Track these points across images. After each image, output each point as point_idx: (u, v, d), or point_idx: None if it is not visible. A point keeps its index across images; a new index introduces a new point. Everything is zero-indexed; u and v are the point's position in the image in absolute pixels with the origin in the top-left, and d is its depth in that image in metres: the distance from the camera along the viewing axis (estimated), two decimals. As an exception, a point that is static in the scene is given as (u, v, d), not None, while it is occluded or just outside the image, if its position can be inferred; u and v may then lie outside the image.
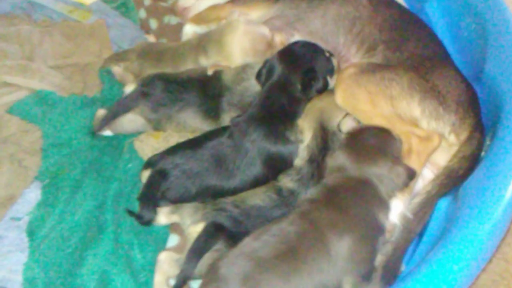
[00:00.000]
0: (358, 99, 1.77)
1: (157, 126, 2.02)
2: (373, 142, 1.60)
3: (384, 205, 1.52)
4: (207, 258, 1.57)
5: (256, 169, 1.76)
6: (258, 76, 1.93)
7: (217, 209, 1.68)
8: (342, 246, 1.41)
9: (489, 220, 1.31)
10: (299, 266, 1.39)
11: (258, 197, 1.72)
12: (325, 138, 1.76)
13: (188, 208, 1.73)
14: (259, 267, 1.37)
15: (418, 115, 1.73)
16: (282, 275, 1.37)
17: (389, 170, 1.53)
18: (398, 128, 1.69)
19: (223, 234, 1.61)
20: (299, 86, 1.85)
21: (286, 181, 1.75)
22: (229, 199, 1.72)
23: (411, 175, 1.55)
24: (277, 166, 1.78)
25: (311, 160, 1.75)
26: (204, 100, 1.97)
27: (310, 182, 1.72)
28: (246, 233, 1.54)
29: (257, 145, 1.76)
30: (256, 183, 1.76)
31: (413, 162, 1.65)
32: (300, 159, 1.77)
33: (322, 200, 1.52)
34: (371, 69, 1.82)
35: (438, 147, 1.71)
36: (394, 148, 1.60)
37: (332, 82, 1.92)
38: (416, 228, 1.62)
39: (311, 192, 1.59)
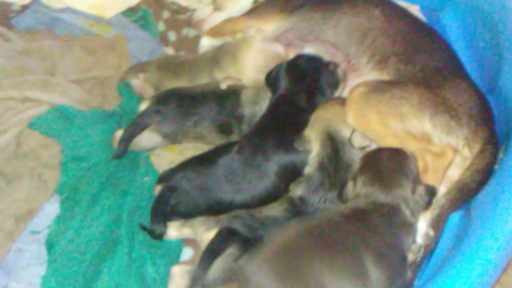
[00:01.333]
0: (369, 120, 1.77)
1: (174, 141, 2.05)
2: (393, 165, 1.60)
3: (412, 229, 1.53)
4: (221, 263, 1.58)
5: (268, 181, 1.77)
6: (267, 80, 1.98)
7: (231, 216, 1.70)
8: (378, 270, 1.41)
9: (501, 234, 1.30)
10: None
11: (274, 210, 1.73)
12: (334, 148, 1.77)
13: (200, 217, 1.75)
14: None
15: (429, 131, 1.72)
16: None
17: (413, 191, 1.54)
18: (411, 146, 1.69)
19: (237, 238, 1.63)
20: (304, 98, 1.88)
21: (297, 190, 1.76)
22: (244, 211, 1.73)
23: (433, 193, 1.57)
24: (289, 176, 1.80)
25: (321, 168, 1.76)
26: (219, 115, 1.99)
27: (320, 189, 1.74)
28: (260, 239, 1.57)
29: (269, 156, 1.78)
30: (267, 196, 1.77)
31: (430, 179, 1.64)
32: (309, 167, 1.79)
33: (351, 216, 1.52)
34: (380, 88, 1.81)
35: (453, 161, 1.70)
36: (413, 167, 1.61)
37: (336, 93, 1.94)
38: (431, 243, 1.61)
39: (341, 207, 1.60)
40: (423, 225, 1.58)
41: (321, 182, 1.74)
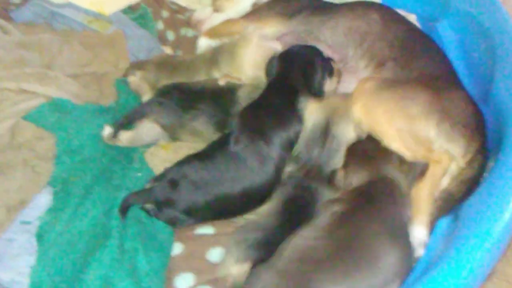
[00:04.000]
0: (376, 115, 1.77)
1: (172, 135, 2.07)
2: (376, 144, 1.70)
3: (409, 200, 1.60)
4: None
5: (271, 163, 1.79)
6: (266, 69, 2.03)
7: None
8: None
9: (487, 239, 1.31)
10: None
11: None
12: (324, 136, 1.79)
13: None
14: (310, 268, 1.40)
15: (433, 137, 1.72)
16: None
17: (400, 163, 1.64)
18: (413, 150, 1.70)
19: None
20: (300, 78, 1.92)
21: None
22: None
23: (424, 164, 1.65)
24: (287, 154, 1.83)
25: (307, 146, 1.80)
26: (216, 112, 2.02)
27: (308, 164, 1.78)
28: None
29: (271, 138, 1.81)
30: (267, 182, 1.79)
31: (427, 185, 1.66)
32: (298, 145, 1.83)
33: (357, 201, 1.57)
34: (391, 85, 1.81)
35: (448, 168, 1.71)
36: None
37: (332, 84, 1.97)
38: None
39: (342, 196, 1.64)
40: (423, 232, 1.59)
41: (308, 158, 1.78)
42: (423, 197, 1.64)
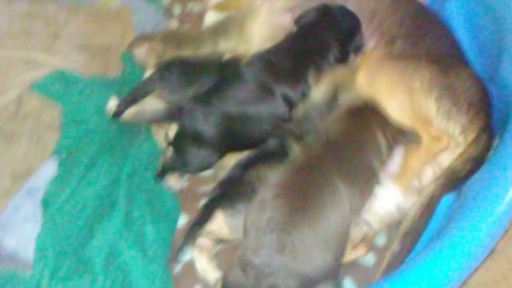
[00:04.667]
0: (378, 84, 1.77)
1: None
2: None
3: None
4: None
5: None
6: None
7: None
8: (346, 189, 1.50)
9: (489, 217, 1.32)
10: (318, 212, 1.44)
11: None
12: (328, 106, 1.80)
13: None
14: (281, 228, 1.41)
15: (433, 113, 1.72)
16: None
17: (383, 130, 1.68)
18: (411, 121, 1.70)
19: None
20: (334, 37, 1.92)
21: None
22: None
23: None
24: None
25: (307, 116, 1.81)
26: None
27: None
28: None
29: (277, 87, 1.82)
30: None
31: (419, 157, 1.67)
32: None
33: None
34: (396, 58, 1.81)
35: (445, 149, 1.71)
36: None
37: (357, 59, 1.96)
38: (423, 227, 1.63)
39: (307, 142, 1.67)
40: (398, 195, 1.63)
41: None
42: (410, 165, 1.67)
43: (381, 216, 1.61)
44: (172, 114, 1.85)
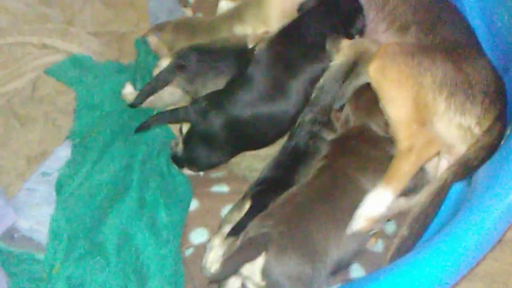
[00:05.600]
0: (388, 74, 1.75)
1: (195, 96, 2.06)
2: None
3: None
4: None
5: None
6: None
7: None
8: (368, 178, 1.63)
9: (496, 207, 1.32)
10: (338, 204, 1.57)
11: None
12: (346, 75, 1.83)
13: None
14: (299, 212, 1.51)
15: (442, 110, 1.70)
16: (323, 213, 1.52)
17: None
18: (407, 120, 1.69)
19: None
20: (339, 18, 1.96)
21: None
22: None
23: None
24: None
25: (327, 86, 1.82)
26: (237, 71, 1.98)
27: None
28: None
29: (296, 72, 1.83)
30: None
31: (409, 162, 1.65)
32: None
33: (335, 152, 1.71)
34: (411, 52, 1.78)
35: (434, 156, 1.71)
36: None
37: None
38: (432, 214, 1.63)
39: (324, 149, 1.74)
40: (389, 196, 1.62)
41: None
42: (400, 169, 1.65)
43: (373, 219, 1.61)
44: (185, 115, 1.85)
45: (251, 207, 1.64)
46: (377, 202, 1.60)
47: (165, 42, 2.27)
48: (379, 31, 1.99)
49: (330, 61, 1.86)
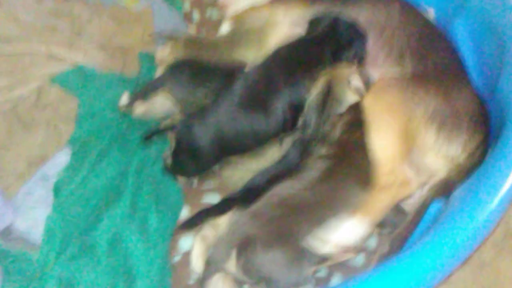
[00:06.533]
0: (380, 102, 1.79)
1: (184, 109, 2.13)
2: None
3: None
4: None
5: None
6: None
7: None
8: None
9: (474, 221, 1.37)
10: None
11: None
12: (325, 97, 1.83)
13: None
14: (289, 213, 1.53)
15: (431, 143, 1.74)
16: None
17: None
18: (392, 153, 1.72)
19: None
20: (334, 47, 1.96)
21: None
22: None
23: None
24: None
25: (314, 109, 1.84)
26: (225, 87, 2.03)
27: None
28: None
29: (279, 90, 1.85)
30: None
31: (388, 196, 1.69)
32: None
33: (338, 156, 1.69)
34: (405, 86, 1.83)
35: (411, 195, 1.76)
36: None
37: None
38: (413, 229, 1.69)
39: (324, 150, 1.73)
40: (362, 227, 1.64)
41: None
42: (377, 203, 1.68)
43: (342, 247, 1.62)
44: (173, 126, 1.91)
45: (218, 204, 1.71)
46: (351, 232, 1.63)
47: (174, 53, 2.32)
48: (379, 60, 2.02)
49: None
